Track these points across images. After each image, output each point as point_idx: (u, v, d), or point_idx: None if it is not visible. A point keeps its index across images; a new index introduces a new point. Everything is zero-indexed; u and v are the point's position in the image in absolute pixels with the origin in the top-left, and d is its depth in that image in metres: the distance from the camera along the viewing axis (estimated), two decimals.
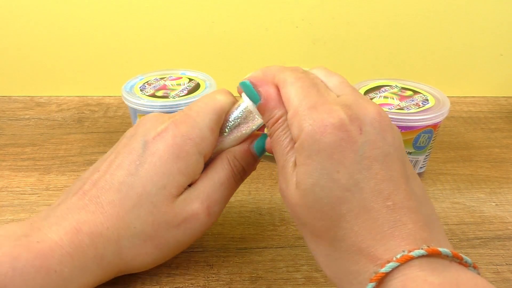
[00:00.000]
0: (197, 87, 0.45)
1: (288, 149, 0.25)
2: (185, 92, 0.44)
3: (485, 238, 0.37)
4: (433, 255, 0.20)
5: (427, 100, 0.43)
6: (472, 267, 0.21)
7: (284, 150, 0.25)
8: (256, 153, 0.31)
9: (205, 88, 0.44)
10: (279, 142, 0.26)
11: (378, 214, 0.22)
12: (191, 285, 0.32)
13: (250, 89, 0.27)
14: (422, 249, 0.20)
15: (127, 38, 0.59)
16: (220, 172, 0.29)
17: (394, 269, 0.20)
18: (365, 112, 0.23)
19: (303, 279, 0.32)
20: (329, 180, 0.22)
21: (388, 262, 0.20)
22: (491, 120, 0.57)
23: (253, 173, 0.45)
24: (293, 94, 0.25)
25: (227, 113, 0.30)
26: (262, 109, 0.27)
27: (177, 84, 0.45)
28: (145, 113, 0.42)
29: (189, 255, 0.34)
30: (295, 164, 0.24)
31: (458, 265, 0.21)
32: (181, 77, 0.47)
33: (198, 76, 0.47)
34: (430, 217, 0.23)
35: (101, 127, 0.54)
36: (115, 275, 0.29)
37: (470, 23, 0.59)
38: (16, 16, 0.56)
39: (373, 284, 0.20)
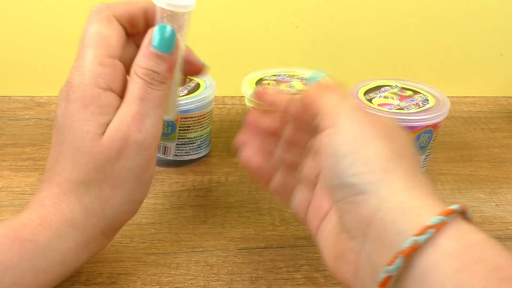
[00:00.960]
0: (197, 87, 0.45)
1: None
2: (185, 92, 0.44)
3: None
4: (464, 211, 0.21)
5: (427, 100, 0.43)
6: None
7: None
8: (160, 51, 0.28)
9: (205, 88, 0.44)
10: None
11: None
12: (191, 285, 0.32)
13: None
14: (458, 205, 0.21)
15: None
16: (131, 88, 0.28)
17: None
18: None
19: (303, 279, 0.32)
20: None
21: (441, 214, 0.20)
22: (491, 120, 0.57)
23: None
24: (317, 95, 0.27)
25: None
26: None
27: None
28: None
29: (189, 255, 0.35)
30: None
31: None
32: None
33: (198, 76, 0.47)
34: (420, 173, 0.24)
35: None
36: (104, 238, 0.30)
37: (470, 23, 0.59)
38: (16, 16, 0.56)
39: (437, 219, 0.20)
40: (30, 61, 0.59)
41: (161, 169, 0.45)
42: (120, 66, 0.29)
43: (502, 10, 0.58)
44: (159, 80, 0.29)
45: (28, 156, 0.47)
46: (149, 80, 0.28)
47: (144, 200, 0.40)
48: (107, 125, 0.28)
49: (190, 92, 0.43)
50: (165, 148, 0.44)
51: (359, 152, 0.23)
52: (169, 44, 0.29)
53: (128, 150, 0.28)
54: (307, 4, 0.57)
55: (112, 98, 0.28)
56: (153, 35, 0.28)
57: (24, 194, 0.41)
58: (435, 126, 0.41)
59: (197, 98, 0.42)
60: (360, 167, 0.23)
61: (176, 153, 0.45)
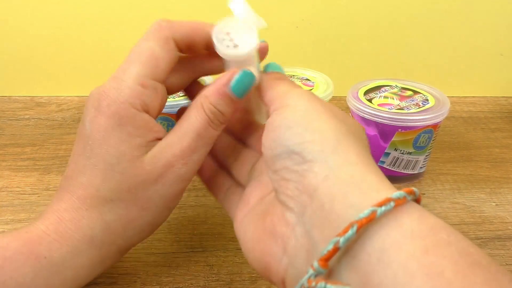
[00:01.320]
0: None
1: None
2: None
3: (485, 238, 0.37)
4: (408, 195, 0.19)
5: (427, 100, 0.43)
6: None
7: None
8: (234, 95, 0.27)
9: None
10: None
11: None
12: (191, 285, 0.32)
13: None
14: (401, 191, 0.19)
15: (127, 38, 0.59)
16: (192, 119, 0.28)
17: None
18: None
19: None
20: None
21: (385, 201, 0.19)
22: (491, 120, 0.57)
23: None
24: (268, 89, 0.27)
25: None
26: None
27: None
28: None
29: (189, 255, 0.35)
30: None
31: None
32: None
33: None
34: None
35: None
36: (118, 254, 0.29)
37: (470, 23, 0.59)
38: (16, 16, 0.56)
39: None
40: (30, 61, 0.59)
41: None
42: (161, 90, 0.28)
43: (502, 10, 0.58)
44: (221, 121, 0.28)
45: (28, 156, 0.47)
46: (212, 118, 0.27)
47: None
48: (144, 147, 0.27)
49: None
50: None
51: (308, 123, 0.22)
52: (245, 91, 0.28)
53: (168, 178, 0.27)
54: (307, 4, 0.57)
55: (147, 119, 0.27)
56: (234, 77, 0.27)
57: (24, 194, 0.41)
58: (435, 126, 0.41)
59: None
60: (309, 135, 0.22)
61: None
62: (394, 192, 0.19)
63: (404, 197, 0.19)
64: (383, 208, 0.18)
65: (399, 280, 0.17)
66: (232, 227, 0.38)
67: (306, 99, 0.24)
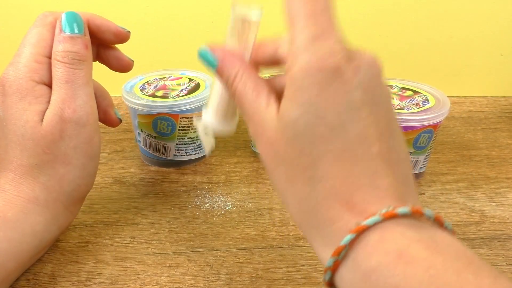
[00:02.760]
0: (197, 87, 0.45)
1: (254, 95, 0.24)
2: (185, 92, 0.44)
3: (485, 238, 0.37)
4: (415, 215, 0.20)
5: (427, 100, 0.43)
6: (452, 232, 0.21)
7: (252, 100, 0.24)
8: (70, 33, 0.31)
9: (205, 88, 0.44)
10: (245, 96, 0.25)
11: (360, 160, 0.21)
12: (191, 285, 0.32)
13: (206, 55, 0.26)
14: (407, 207, 0.20)
15: None
16: (57, 74, 0.31)
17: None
18: (362, 55, 0.22)
19: (303, 279, 0.32)
20: (315, 116, 0.21)
21: (372, 215, 0.20)
22: (491, 120, 0.57)
23: (253, 173, 0.45)
24: (299, 18, 0.22)
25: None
26: (220, 72, 0.26)
27: (177, 84, 0.45)
28: (144, 113, 0.42)
29: (189, 255, 0.34)
30: (268, 103, 0.24)
31: (437, 226, 0.21)
32: (181, 77, 0.47)
33: (198, 76, 0.47)
34: (407, 176, 0.23)
35: (101, 126, 0.53)
36: (67, 211, 0.33)
37: (470, 23, 0.59)
38: (16, 16, 0.56)
39: (352, 235, 0.20)
40: None
41: (161, 169, 0.45)
42: None
43: (502, 10, 0.58)
44: (78, 59, 0.31)
45: None
46: (69, 61, 0.31)
47: (144, 200, 0.41)
48: (44, 112, 0.31)
49: (190, 92, 0.43)
50: (165, 148, 0.44)
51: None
52: (78, 26, 0.32)
53: (68, 130, 0.31)
54: None
55: (46, 89, 0.31)
56: (62, 23, 0.32)
57: None
58: (435, 126, 0.41)
59: (197, 98, 0.42)
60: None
61: (176, 153, 0.45)
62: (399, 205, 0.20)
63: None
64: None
65: None
66: (232, 227, 0.38)
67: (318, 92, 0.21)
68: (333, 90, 0.21)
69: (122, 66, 0.37)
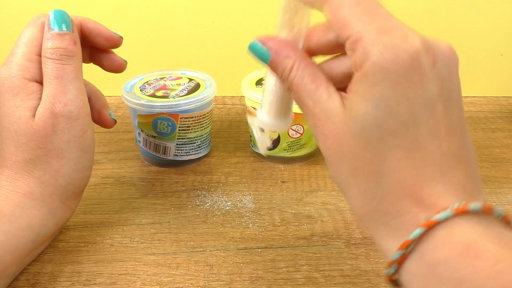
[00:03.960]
0: (197, 87, 0.45)
1: (313, 87, 0.23)
2: (185, 92, 0.44)
3: None
4: (486, 212, 0.20)
5: None
6: None
7: (312, 92, 0.23)
8: (58, 30, 0.32)
9: (205, 88, 0.44)
10: (303, 88, 0.23)
11: (430, 155, 0.21)
12: (191, 285, 0.32)
13: (257, 48, 0.25)
14: (479, 203, 0.20)
15: (127, 38, 0.58)
16: (46, 70, 0.32)
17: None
18: (438, 45, 0.21)
19: (303, 279, 0.32)
20: (387, 111, 0.20)
21: (443, 210, 0.20)
22: (491, 120, 0.57)
23: (253, 173, 0.45)
24: (355, 17, 0.21)
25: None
26: (274, 65, 0.25)
27: (177, 84, 0.45)
28: (144, 113, 0.42)
29: (189, 255, 0.35)
30: (329, 95, 0.23)
31: (504, 224, 0.21)
32: (181, 77, 0.47)
33: (198, 76, 0.47)
34: (476, 174, 0.22)
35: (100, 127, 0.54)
36: (63, 205, 0.33)
37: (470, 23, 0.59)
38: (16, 16, 0.56)
39: (422, 229, 0.20)
40: None
41: (161, 169, 0.45)
42: None
43: (502, 10, 0.58)
44: (67, 55, 0.32)
45: None
46: (57, 57, 0.32)
47: (144, 200, 0.41)
48: (36, 108, 0.31)
49: (190, 92, 0.43)
50: (165, 148, 0.44)
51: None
52: (66, 23, 0.32)
53: (60, 124, 0.31)
54: None
55: (38, 86, 0.32)
56: (50, 21, 0.32)
57: None
58: None
59: (197, 98, 0.42)
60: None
61: (176, 153, 0.45)
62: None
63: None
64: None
65: None
66: (232, 227, 0.38)
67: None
68: (408, 84, 0.20)
69: (115, 66, 0.38)
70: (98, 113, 0.37)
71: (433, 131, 0.21)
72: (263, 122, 0.28)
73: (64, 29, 0.32)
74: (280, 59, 0.24)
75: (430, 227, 0.20)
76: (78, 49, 0.33)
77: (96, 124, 0.37)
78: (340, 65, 0.24)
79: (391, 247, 0.21)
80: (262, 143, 0.29)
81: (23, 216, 0.30)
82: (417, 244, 0.20)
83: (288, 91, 0.25)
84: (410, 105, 0.20)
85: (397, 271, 0.21)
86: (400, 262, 0.21)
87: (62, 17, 0.32)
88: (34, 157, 0.31)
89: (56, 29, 0.32)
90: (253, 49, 0.25)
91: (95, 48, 0.37)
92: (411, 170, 0.21)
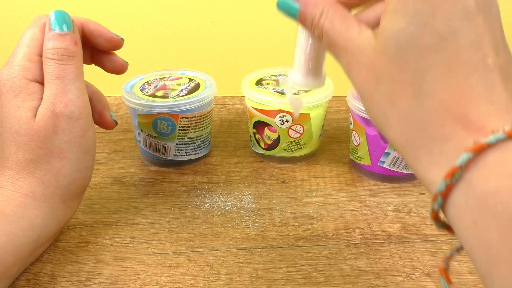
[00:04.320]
0: (197, 87, 0.45)
1: (344, 27, 0.22)
2: (185, 92, 0.44)
3: None
4: None
5: None
6: None
7: (343, 32, 0.23)
8: (59, 31, 0.32)
9: (205, 88, 0.44)
10: (333, 31, 0.23)
11: (474, 71, 0.19)
12: (191, 285, 0.32)
13: (286, 2, 0.25)
14: None
15: (127, 38, 0.59)
16: (47, 71, 0.32)
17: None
18: None
19: (303, 279, 0.32)
20: (420, 25, 0.19)
21: (493, 132, 0.17)
22: None
23: (253, 173, 0.45)
24: None
25: None
26: (303, 16, 0.24)
27: (177, 84, 0.45)
28: (144, 113, 0.42)
29: (189, 255, 0.35)
30: (361, 31, 0.22)
31: None
32: (181, 77, 0.47)
33: (198, 76, 0.47)
34: None
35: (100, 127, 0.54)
36: (65, 205, 0.33)
37: None
38: (18, 17, 0.56)
39: (470, 154, 0.17)
40: None
41: (161, 169, 0.45)
42: None
43: (502, 10, 0.58)
44: (68, 55, 0.32)
45: None
46: (58, 57, 0.32)
47: (144, 200, 0.41)
48: (37, 108, 0.31)
49: (190, 92, 0.43)
50: (165, 148, 0.44)
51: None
52: (66, 23, 0.32)
53: (61, 125, 0.31)
54: None
55: (39, 87, 0.32)
56: (51, 21, 0.32)
57: None
58: None
59: (197, 98, 0.42)
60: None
61: (176, 153, 0.45)
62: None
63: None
64: None
65: None
66: (232, 227, 0.38)
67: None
68: None
69: (116, 68, 0.38)
70: (99, 115, 0.37)
71: (475, 43, 0.19)
72: (296, 82, 0.27)
73: (65, 29, 0.32)
74: (309, 9, 0.24)
75: (479, 152, 0.17)
76: (79, 50, 0.33)
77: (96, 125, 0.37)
78: (372, 14, 0.24)
79: (435, 178, 0.19)
80: (296, 105, 0.29)
81: (25, 217, 0.30)
82: (465, 172, 0.18)
83: (319, 40, 0.24)
84: (447, 16, 0.19)
85: (442, 207, 0.19)
86: (445, 194, 0.18)
87: (63, 18, 0.32)
88: (35, 157, 0.31)
89: (57, 30, 0.32)
90: (281, 4, 0.25)
91: (96, 49, 0.37)
92: (454, 88, 0.19)
